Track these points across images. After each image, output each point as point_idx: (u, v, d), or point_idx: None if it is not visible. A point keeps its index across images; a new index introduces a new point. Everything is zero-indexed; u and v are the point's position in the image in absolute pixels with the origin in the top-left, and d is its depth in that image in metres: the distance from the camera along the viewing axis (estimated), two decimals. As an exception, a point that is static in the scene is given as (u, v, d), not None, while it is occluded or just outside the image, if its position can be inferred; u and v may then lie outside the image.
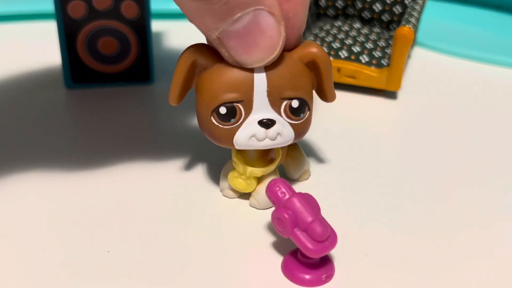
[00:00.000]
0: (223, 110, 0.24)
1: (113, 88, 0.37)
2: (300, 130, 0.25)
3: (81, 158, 0.30)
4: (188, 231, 0.26)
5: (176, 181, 0.29)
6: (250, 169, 0.26)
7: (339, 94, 0.38)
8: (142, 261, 0.24)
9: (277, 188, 0.23)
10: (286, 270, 0.23)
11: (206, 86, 0.24)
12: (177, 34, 0.46)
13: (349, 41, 0.39)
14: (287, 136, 0.25)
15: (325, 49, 0.38)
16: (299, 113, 0.24)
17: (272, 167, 0.26)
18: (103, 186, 0.28)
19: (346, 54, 0.38)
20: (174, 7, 0.47)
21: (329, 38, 0.39)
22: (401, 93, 0.38)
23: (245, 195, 0.27)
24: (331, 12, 0.43)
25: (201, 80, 0.24)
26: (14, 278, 0.23)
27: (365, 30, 0.41)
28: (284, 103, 0.24)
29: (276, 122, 0.24)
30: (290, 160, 0.28)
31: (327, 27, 0.41)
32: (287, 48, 0.24)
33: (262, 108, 0.24)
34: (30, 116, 0.34)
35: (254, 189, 0.27)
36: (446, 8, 0.52)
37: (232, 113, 0.24)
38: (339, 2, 0.42)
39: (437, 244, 0.25)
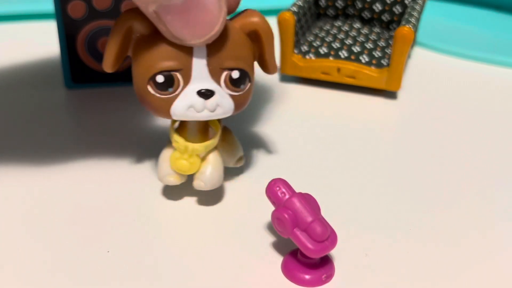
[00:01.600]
0: (160, 78, 0.23)
1: (113, 88, 0.37)
2: (240, 102, 0.24)
3: (81, 158, 0.30)
4: (188, 231, 0.26)
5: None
6: (191, 145, 0.25)
7: (339, 94, 0.38)
8: (142, 261, 0.24)
9: (277, 188, 0.23)
10: (286, 270, 0.23)
11: (143, 54, 0.23)
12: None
13: (349, 41, 0.39)
14: (226, 107, 0.24)
15: (325, 49, 0.38)
16: (240, 84, 0.24)
17: (213, 142, 0.25)
18: (102, 186, 0.28)
19: (346, 54, 0.38)
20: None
21: (329, 38, 0.39)
22: (401, 93, 0.38)
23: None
24: (331, 12, 0.42)
25: (138, 47, 0.23)
26: (13, 278, 0.23)
27: (365, 30, 0.41)
28: (224, 73, 0.23)
29: (216, 92, 0.23)
30: (226, 145, 0.27)
31: (327, 27, 0.41)
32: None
33: (201, 78, 0.23)
34: (30, 116, 0.34)
35: (198, 170, 0.26)
36: (446, 8, 0.52)
37: (169, 82, 0.23)
38: (339, 2, 0.42)
39: (437, 244, 0.25)
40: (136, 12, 0.22)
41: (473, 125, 0.35)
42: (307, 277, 0.23)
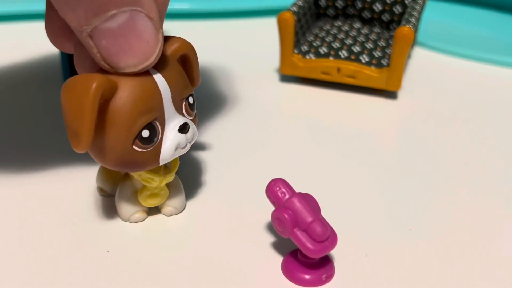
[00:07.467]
0: (145, 133, 0.22)
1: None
2: (196, 123, 0.25)
3: (81, 158, 0.30)
4: (188, 231, 0.26)
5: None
6: (168, 177, 0.25)
7: (339, 94, 0.38)
8: (142, 261, 0.24)
9: (277, 188, 0.23)
10: (286, 270, 0.23)
11: (118, 116, 0.21)
12: (176, 35, 0.46)
13: (349, 41, 0.39)
14: (196, 132, 0.24)
15: (325, 49, 0.38)
16: (194, 108, 0.25)
17: (177, 162, 0.25)
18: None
19: (346, 54, 0.38)
20: (174, 7, 0.48)
21: (329, 38, 0.39)
22: (401, 93, 0.38)
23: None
24: (331, 12, 0.42)
25: (107, 113, 0.21)
26: (13, 278, 0.23)
27: (365, 30, 0.41)
28: (184, 102, 0.24)
29: (188, 123, 0.24)
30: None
31: (327, 27, 0.41)
32: None
33: (171, 116, 0.23)
34: (29, 116, 0.34)
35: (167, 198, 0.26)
36: (446, 8, 0.52)
37: (154, 133, 0.22)
38: (339, 2, 0.42)
39: (437, 244, 0.25)
40: (101, 77, 0.21)
41: (473, 125, 0.35)
42: (307, 277, 0.23)
